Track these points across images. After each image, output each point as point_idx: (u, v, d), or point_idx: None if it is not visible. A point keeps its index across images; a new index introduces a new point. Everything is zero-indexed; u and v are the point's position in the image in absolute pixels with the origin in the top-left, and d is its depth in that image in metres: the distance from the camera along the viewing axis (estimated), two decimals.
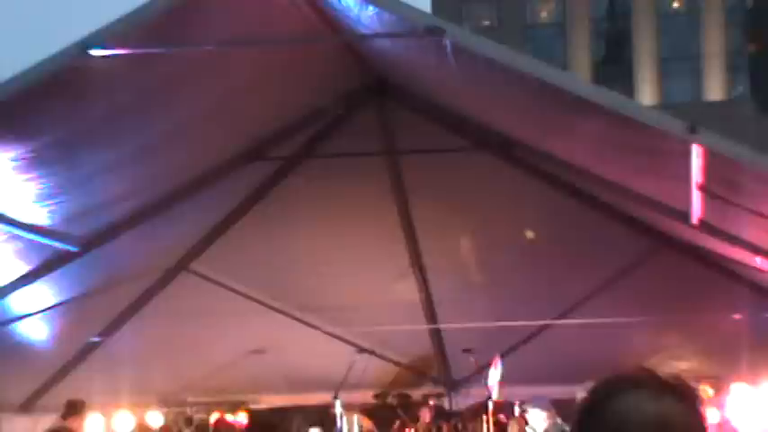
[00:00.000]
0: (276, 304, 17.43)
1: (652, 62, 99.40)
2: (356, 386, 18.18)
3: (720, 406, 15.95)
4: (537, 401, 16.64)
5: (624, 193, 14.16)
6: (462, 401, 19.33)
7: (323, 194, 15.58)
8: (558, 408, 17.35)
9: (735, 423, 15.49)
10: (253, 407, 19.33)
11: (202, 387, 18.72)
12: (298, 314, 17.68)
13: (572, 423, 2.92)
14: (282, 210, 15.95)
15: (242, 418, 19.21)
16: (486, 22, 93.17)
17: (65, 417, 15.94)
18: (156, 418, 17.73)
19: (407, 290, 17.40)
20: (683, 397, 2.77)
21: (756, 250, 13.40)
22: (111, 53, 10.45)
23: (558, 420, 16.91)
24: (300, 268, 16.72)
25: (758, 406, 16.11)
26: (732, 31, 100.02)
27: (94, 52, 10.35)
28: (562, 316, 16.95)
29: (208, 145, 14.52)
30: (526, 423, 17.52)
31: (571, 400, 17.21)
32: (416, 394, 19.14)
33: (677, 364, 17.40)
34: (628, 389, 2.83)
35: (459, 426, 18.36)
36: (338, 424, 17.79)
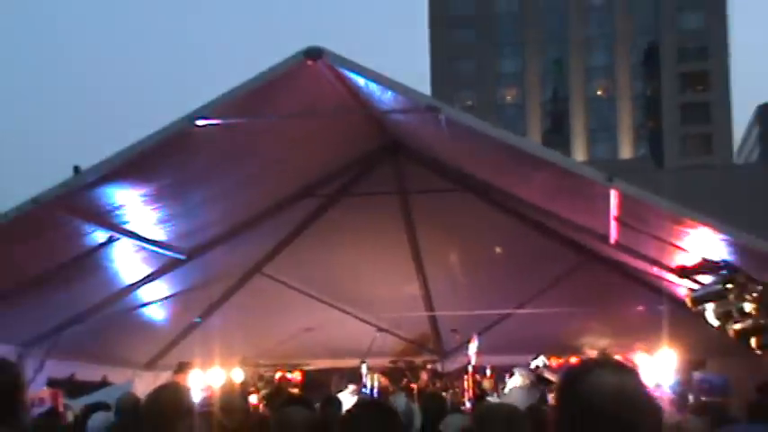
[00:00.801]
0: (321, 297, 17.38)
1: (583, 131, 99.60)
2: (376, 354, 18.12)
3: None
4: (520, 368, 16.75)
5: (564, 221, 14.11)
6: (450, 366, 19.24)
7: (354, 222, 15.52)
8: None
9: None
10: (305, 368, 19.27)
11: (270, 353, 18.68)
12: (336, 304, 17.63)
13: (554, 396, 2.97)
14: (325, 232, 15.91)
15: (297, 375, 19.15)
16: (469, 103, 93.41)
17: (175, 373, 15.93)
18: (238, 374, 17.67)
19: (413, 288, 17.35)
20: (630, 371, 2.88)
21: (653, 262, 13.34)
22: (209, 123, 10.45)
23: (532, 379, 16.90)
24: (338, 272, 16.69)
25: (655, 368, 16.08)
26: (637, 111, 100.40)
27: (198, 122, 10.36)
28: (520, 307, 16.87)
29: (273, 185, 14.50)
30: (495, 382, 17.51)
31: (526, 365, 17.26)
32: (418, 360, 19.05)
33: (599, 342, 17.34)
34: (593, 368, 2.86)
35: (448, 383, 18.26)
36: (364, 381, 17.74)
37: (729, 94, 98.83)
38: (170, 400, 5.06)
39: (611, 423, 2.76)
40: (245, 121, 11.22)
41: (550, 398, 16.36)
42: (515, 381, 16.76)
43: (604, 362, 2.95)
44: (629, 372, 2.89)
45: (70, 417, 12.39)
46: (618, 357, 16.59)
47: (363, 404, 5.56)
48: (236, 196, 13.89)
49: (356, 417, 4.74)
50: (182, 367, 16.11)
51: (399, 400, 15.70)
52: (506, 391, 16.86)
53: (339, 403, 10.78)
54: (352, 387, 17.21)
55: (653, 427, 2.81)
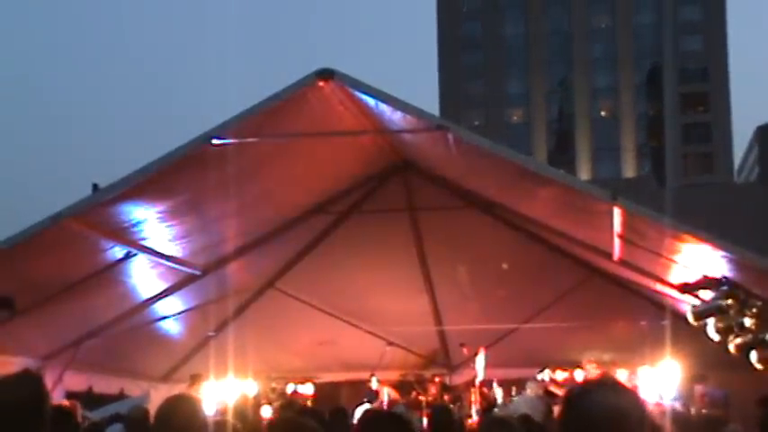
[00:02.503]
0: (332, 311, 17.36)
1: (587, 151, 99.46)
2: (386, 368, 18.11)
3: (632, 382, 15.83)
4: (532, 380, 16.78)
5: (568, 238, 14.09)
6: (458, 379, 19.19)
7: (365, 238, 15.53)
8: (522, 384, 17.30)
9: (642, 393, 15.31)
10: (316, 381, 19.22)
11: (282, 366, 18.66)
12: (347, 318, 17.60)
13: (558, 414, 3.04)
14: (337, 248, 15.91)
15: (309, 388, 19.09)
16: (477, 123, 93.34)
17: (189, 385, 15.93)
18: (251, 386, 17.64)
19: (422, 303, 17.33)
20: (630, 392, 2.97)
21: (656, 278, 13.32)
22: (225, 142, 10.48)
23: (540, 391, 16.94)
24: (349, 287, 16.66)
25: (657, 382, 16.06)
26: (640, 131, 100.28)
27: (214, 141, 10.39)
28: (526, 321, 16.84)
29: (287, 203, 14.52)
30: (503, 393, 17.47)
31: (531, 378, 17.25)
32: (427, 374, 18.99)
33: (603, 356, 17.30)
34: (595, 388, 2.95)
35: (456, 396, 18.21)
36: (374, 393, 17.71)
37: (729, 115, 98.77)
38: (178, 411, 5.05)
39: None
40: (258, 141, 11.25)
41: (556, 410, 16.36)
42: (526, 392, 16.83)
43: (608, 382, 3.03)
44: (630, 392, 2.97)
45: None
46: (622, 371, 16.58)
47: (378, 412, 5.63)
48: (250, 213, 13.91)
49: (372, 423, 4.81)
50: (194, 379, 16.12)
51: (399, 412, 15.73)
52: (514, 401, 16.87)
53: (347, 414, 10.78)
54: (375, 400, 17.20)
55: None
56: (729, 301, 11.28)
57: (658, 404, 15.10)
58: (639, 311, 15.41)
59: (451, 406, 16.36)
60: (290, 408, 14.95)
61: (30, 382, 4.50)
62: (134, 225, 11.71)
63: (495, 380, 17.91)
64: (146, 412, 9.84)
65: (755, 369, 11.56)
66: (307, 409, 14.48)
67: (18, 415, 4.28)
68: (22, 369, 5.40)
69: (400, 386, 18.69)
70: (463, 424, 14.30)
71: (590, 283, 15.56)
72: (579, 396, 2.95)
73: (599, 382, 3.08)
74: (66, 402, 13.23)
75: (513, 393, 17.91)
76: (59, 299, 12.32)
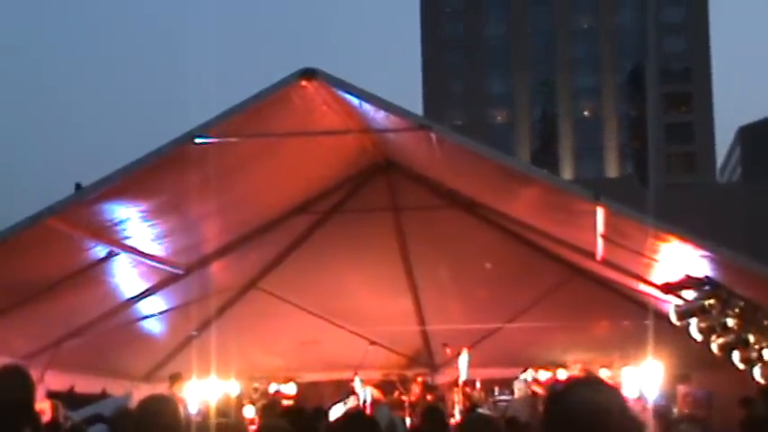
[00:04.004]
0: (315, 311, 17.33)
1: (570, 151, 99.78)
2: (369, 367, 18.10)
3: (615, 381, 15.89)
4: (519, 380, 17.03)
5: (552, 238, 14.12)
6: (441, 379, 19.20)
7: (347, 237, 15.53)
8: (505, 384, 17.35)
9: (626, 392, 15.36)
10: (298, 380, 19.20)
11: (264, 366, 18.65)
12: (330, 318, 17.57)
13: (542, 410, 3.07)
14: (320, 247, 15.91)
15: (291, 388, 19.07)
16: (460, 122, 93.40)
17: (171, 385, 15.90)
18: (233, 386, 17.63)
19: (405, 302, 17.32)
20: (614, 389, 2.99)
21: (639, 278, 13.36)
22: (208, 141, 10.47)
23: (529, 391, 17.04)
24: (332, 286, 16.64)
25: (640, 381, 16.12)
26: (623, 131, 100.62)
27: (197, 141, 10.37)
28: (509, 321, 16.86)
29: (270, 202, 14.51)
30: (486, 393, 17.51)
31: (514, 378, 17.30)
32: (410, 373, 19.00)
33: (585, 355, 17.35)
34: (578, 386, 2.98)
35: (440, 395, 18.22)
36: (358, 392, 17.73)
37: (712, 115, 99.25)
38: (157, 412, 5.04)
39: None
40: (240, 140, 11.24)
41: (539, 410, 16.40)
42: (516, 393, 16.98)
43: (589, 380, 3.08)
44: (613, 390, 2.99)
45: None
46: (604, 371, 16.64)
47: (346, 415, 5.73)
48: (232, 212, 13.89)
49: (338, 427, 4.90)
50: (174, 379, 16.06)
51: (382, 412, 15.76)
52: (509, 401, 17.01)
53: (326, 415, 10.80)
54: (352, 400, 17.21)
55: None
56: (712, 301, 11.34)
57: (638, 400, 15.18)
58: (622, 311, 15.44)
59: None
60: (272, 408, 14.94)
61: (17, 375, 4.52)
62: (116, 224, 11.68)
63: (477, 379, 17.94)
64: (129, 412, 9.81)
65: (738, 369, 11.62)
66: (288, 408, 14.46)
67: (7, 406, 4.30)
68: (10, 363, 5.41)
69: (383, 386, 18.69)
70: None
71: (573, 283, 15.58)
72: (560, 394, 2.96)
73: (580, 379, 3.11)
74: (46, 402, 13.21)
75: (497, 393, 17.97)
76: (41, 298, 12.27)
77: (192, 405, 15.73)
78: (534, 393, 16.87)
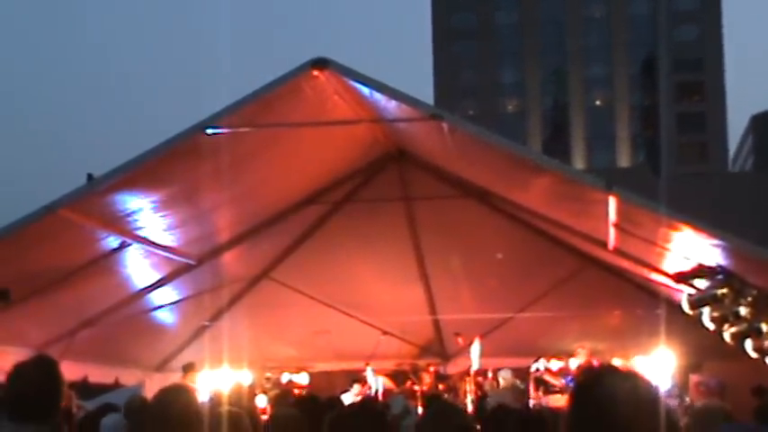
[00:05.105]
0: (327, 300, 17.35)
1: (582, 140, 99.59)
2: (381, 357, 18.12)
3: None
4: (506, 369, 16.85)
5: (563, 227, 14.11)
6: (453, 368, 19.19)
7: (359, 227, 15.54)
8: (518, 373, 17.34)
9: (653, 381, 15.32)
10: (310, 370, 19.23)
11: (276, 356, 18.67)
12: (342, 308, 17.59)
13: (570, 400, 3.03)
14: (331, 238, 15.92)
15: (303, 378, 19.10)
16: (471, 112, 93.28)
17: (184, 375, 15.94)
18: (245, 376, 17.66)
19: (416, 292, 17.33)
20: (641, 377, 2.96)
21: (651, 267, 13.34)
22: (219, 131, 10.48)
23: (518, 382, 17.08)
24: (344, 276, 16.65)
25: (653, 371, 16.09)
26: (635, 121, 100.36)
27: (209, 131, 10.38)
28: (521, 311, 16.86)
29: (281, 192, 14.52)
30: (497, 383, 17.49)
31: (527, 368, 17.29)
32: (422, 363, 19.00)
33: (598, 344, 17.32)
34: (607, 375, 2.97)
35: (451, 385, 18.23)
36: (369, 383, 17.75)
37: (724, 104, 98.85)
38: (174, 402, 5.05)
39: (625, 428, 2.80)
40: (253, 130, 11.24)
41: (551, 400, 16.42)
42: (501, 382, 17.04)
43: (615, 369, 3.04)
44: (641, 378, 2.95)
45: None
46: (616, 360, 16.62)
47: (351, 407, 5.78)
48: (244, 203, 13.91)
49: (342, 418, 4.96)
50: (187, 369, 16.10)
51: (397, 402, 15.78)
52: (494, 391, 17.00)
53: (340, 404, 10.78)
54: (357, 388, 17.21)
55: (668, 429, 2.84)
56: (725, 290, 11.30)
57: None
58: (634, 300, 15.43)
59: (446, 395, 16.39)
60: (284, 397, 14.96)
61: (46, 367, 4.56)
62: (129, 215, 11.71)
63: (489, 369, 17.94)
64: (144, 401, 9.83)
65: (750, 358, 11.59)
66: (300, 397, 14.49)
67: (38, 397, 4.34)
68: (37, 354, 5.44)
69: (395, 376, 18.72)
70: None
71: (585, 273, 15.57)
72: (592, 383, 2.92)
73: (610, 368, 3.05)
74: None
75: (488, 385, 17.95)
76: (54, 288, 12.31)
77: (205, 395, 15.77)
78: (542, 382, 16.93)
